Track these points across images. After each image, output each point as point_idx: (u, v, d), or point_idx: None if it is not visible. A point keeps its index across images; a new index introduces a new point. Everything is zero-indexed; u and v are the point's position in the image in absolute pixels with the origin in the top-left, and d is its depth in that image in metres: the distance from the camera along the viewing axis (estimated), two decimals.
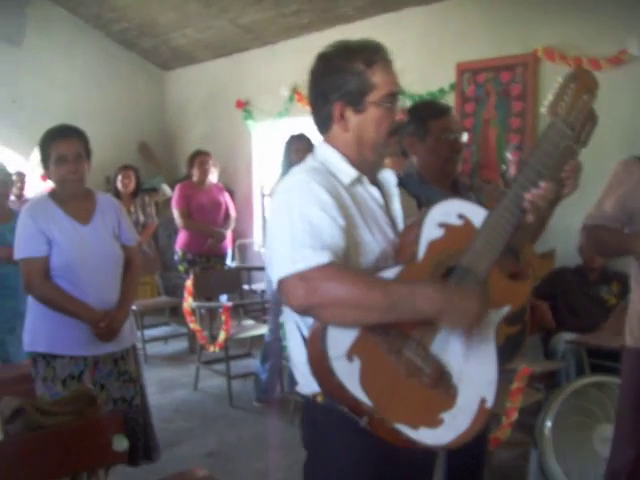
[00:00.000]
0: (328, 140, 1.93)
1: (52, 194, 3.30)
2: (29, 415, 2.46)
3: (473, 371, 1.75)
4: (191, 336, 6.46)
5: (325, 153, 1.91)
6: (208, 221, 6.50)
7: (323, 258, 1.65)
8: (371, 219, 1.85)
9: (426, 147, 2.77)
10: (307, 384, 1.85)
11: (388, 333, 1.69)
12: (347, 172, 1.87)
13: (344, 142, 1.89)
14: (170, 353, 6.94)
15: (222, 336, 5.39)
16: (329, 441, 1.87)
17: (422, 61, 6.06)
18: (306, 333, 1.80)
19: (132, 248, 3.43)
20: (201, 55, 8.52)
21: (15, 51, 8.03)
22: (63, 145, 3.17)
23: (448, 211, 1.82)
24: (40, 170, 3.69)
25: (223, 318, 5.36)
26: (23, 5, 8.05)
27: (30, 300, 3.25)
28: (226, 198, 6.75)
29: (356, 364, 1.66)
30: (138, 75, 9.09)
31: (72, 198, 3.25)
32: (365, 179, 1.89)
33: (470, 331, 1.71)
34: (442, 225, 1.80)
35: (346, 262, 1.74)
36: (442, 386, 1.72)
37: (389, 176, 1.98)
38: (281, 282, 1.71)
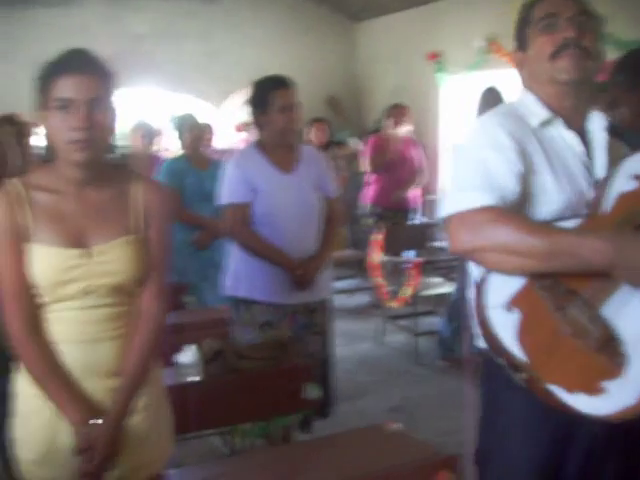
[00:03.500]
0: (528, 83, 1.83)
1: (258, 143, 3.34)
2: (228, 358, 2.54)
3: None
4: (376, 290, 6.47)
5: (521, 95, 1.83)
6: (393, 175, 6.46)
7: (487, 200, 1.60)
8: (560, 166, 1.72)
9: (638, 97, 2.59)
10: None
11: (556, 288, 1.59)
12: (537, 113, 1.76)
13: (536, 82, 1.79)
14: (355, 306, 6.96)
15: (407, 292, 5.33)
16: (500, 399, 1.77)
17: (632, 4, 5.55)
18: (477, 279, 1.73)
19: (334, 200, 3.44)
20: (393, 5, 8.34)
21: (211, 8, 8.39)
22: (287, 94, 3.22)
23: None
24: (239, 119, 3.75)
25: (411, 274, 5.31)
26: None
27: (233, 246, 3.34)
28: (419, 152, 6.65)
29: (515, 316, 1.59)
30: (327, 28, 9.12)
31: (279, 147, 3.28)
32: (559, 122, 1.75)
33: None
34: (638, 177, 1.65)
35: (522, 209, 1.67)
36: (608, 352, 1.56)
37: (597, 120, 1.80)
38: (444, 222, 1.69)
